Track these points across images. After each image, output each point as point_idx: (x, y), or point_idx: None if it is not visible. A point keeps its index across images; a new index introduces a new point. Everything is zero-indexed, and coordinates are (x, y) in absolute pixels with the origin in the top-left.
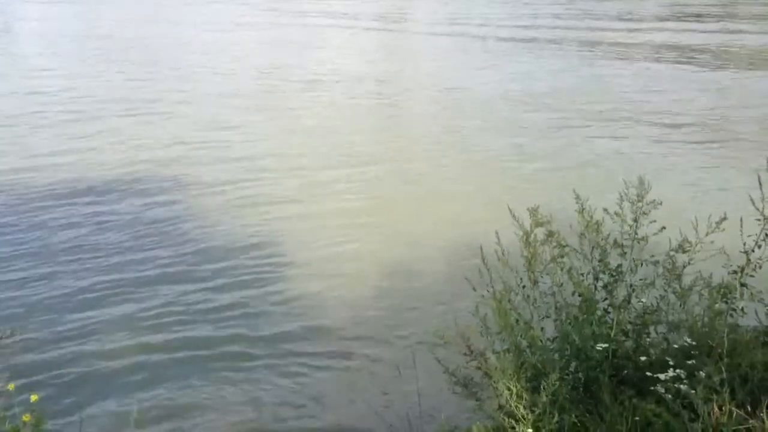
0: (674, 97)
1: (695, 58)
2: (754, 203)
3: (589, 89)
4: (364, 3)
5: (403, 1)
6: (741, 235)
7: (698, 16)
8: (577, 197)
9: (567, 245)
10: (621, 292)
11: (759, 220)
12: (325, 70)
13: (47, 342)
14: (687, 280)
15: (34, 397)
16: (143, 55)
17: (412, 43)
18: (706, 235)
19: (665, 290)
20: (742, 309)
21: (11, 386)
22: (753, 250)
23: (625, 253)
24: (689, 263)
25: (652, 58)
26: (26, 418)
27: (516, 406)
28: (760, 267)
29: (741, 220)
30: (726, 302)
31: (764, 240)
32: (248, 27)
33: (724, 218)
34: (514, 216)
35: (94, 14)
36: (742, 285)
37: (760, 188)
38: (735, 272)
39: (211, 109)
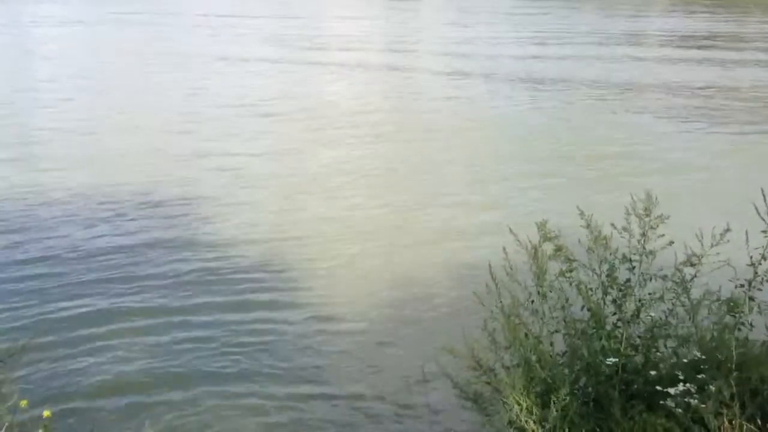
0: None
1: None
2: (759, 213)
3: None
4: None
5: None
6: (747, 248)
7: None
8: (583, 212)
9: (575, 260)
10: (630, 307)
11: (765, 232)
12: (326, 91)
13: (60, 357)
14: (696, 294)
15: (46, 413)
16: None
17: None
18: (711, 247)
19: (674, 304)
20: (751, 323)
21: (24, 402)
22: (760, 263)
23: (634, 267)
24: (696, 276)
25: None
26: None
27: (526, 421)
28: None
29: (746, 233)
30: (734, 316)
31: None
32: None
33: (728, 230)
34: (516, 237)
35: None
36: (750, 299)
37: (764, 200)
38: (742, 285)
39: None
